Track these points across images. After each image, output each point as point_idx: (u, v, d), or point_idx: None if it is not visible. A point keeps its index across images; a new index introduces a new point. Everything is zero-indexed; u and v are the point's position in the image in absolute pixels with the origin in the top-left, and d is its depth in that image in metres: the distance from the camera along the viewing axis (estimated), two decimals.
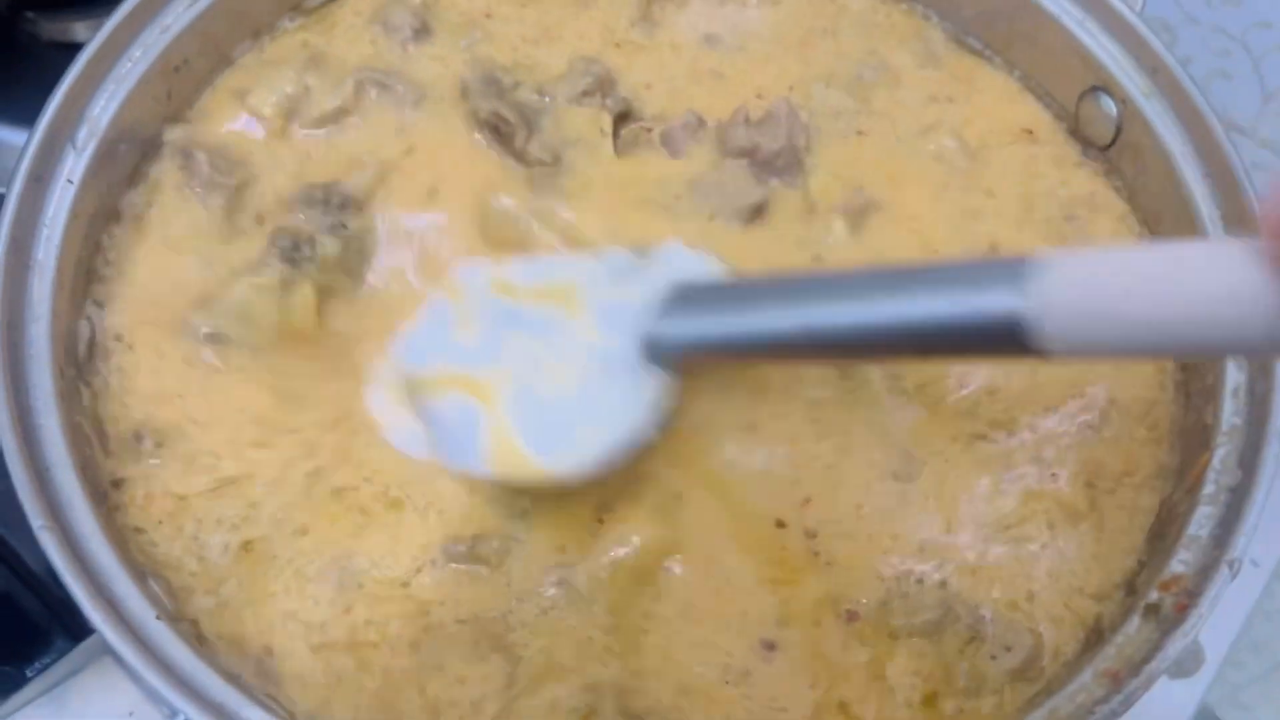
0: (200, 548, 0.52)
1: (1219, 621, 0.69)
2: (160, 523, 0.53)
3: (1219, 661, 0.69)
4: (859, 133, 0.64)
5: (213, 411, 0.55)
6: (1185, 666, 0.68)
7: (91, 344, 0.56)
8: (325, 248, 0.58)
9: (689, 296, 0.50)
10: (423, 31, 0.65)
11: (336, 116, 0.62)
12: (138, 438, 0.54)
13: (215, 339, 0.56)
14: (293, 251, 0.57)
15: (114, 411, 0.55)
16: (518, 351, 0.51)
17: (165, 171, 0.61)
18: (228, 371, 0.56)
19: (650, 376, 0.50)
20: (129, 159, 0.60)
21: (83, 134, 0.58)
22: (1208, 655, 0.68)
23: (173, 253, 0.59)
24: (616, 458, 0.50)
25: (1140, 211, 0.64)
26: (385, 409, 0.55)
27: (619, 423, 0.49)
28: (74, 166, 0.57)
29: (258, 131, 0.62)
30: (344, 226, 0.59)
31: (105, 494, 0.52)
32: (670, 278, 0.51)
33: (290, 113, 0.62)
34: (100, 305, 0.57)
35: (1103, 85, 0.64)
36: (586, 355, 0.50)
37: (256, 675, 0.49)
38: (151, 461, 0.54)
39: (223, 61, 0.65)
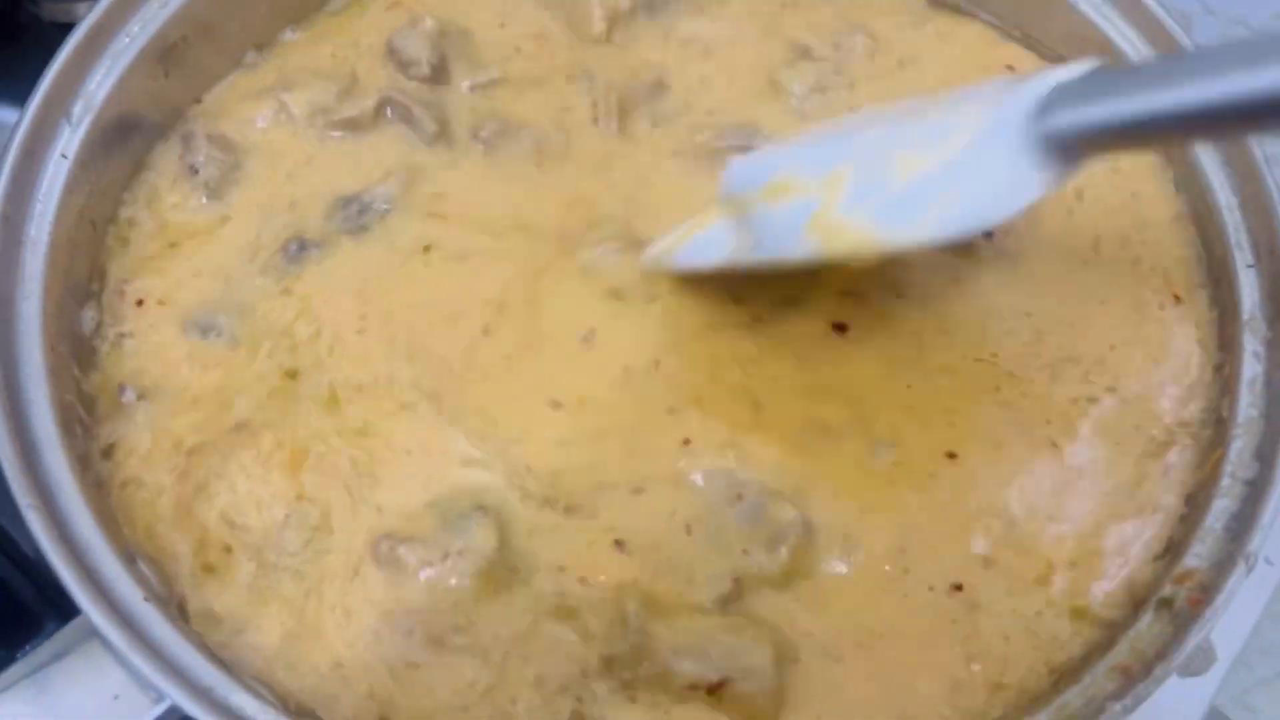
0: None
1: (1231, 620, 0.68)
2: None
3: (1230, 660, 0.67)
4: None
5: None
6: (1195, 665, 0.66)
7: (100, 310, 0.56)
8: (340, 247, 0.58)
9: (1088, 81, 0.43)
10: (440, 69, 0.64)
11: (354, 127, 0.62)
12: (120, 389, 0.54)
13: (211, 330, 0.56)
14: (299, 253, 0.58)
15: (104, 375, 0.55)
16: (865, 146, 0.47)
17: (166, 157, 0.61)
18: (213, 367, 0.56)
19: (1031, 158, 0.42)
20: (131, 140, 0.60)
21: (78, 109, 0.57)
22: (1219, 654, 0.67)
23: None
24: (964, 228, 0.44)
25: None
26: (660, 244, 0.55)
27: (979, 195, 0.43)
28: (69, 141, 0.56)
29: (278, 128, 0.62)
30: (365, 230, 0.59)
31: (94, 466, 0.52)
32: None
33: (316, 116, 0.62)
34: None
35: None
36: (951, 137, 0.44)
37: (242, 656, 0.48)
38: (138, 417, 0.54)
39: (227, 53, 0.64)
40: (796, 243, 0.47)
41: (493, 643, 0.49)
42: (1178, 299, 0.59)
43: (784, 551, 0.50)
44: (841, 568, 0.51)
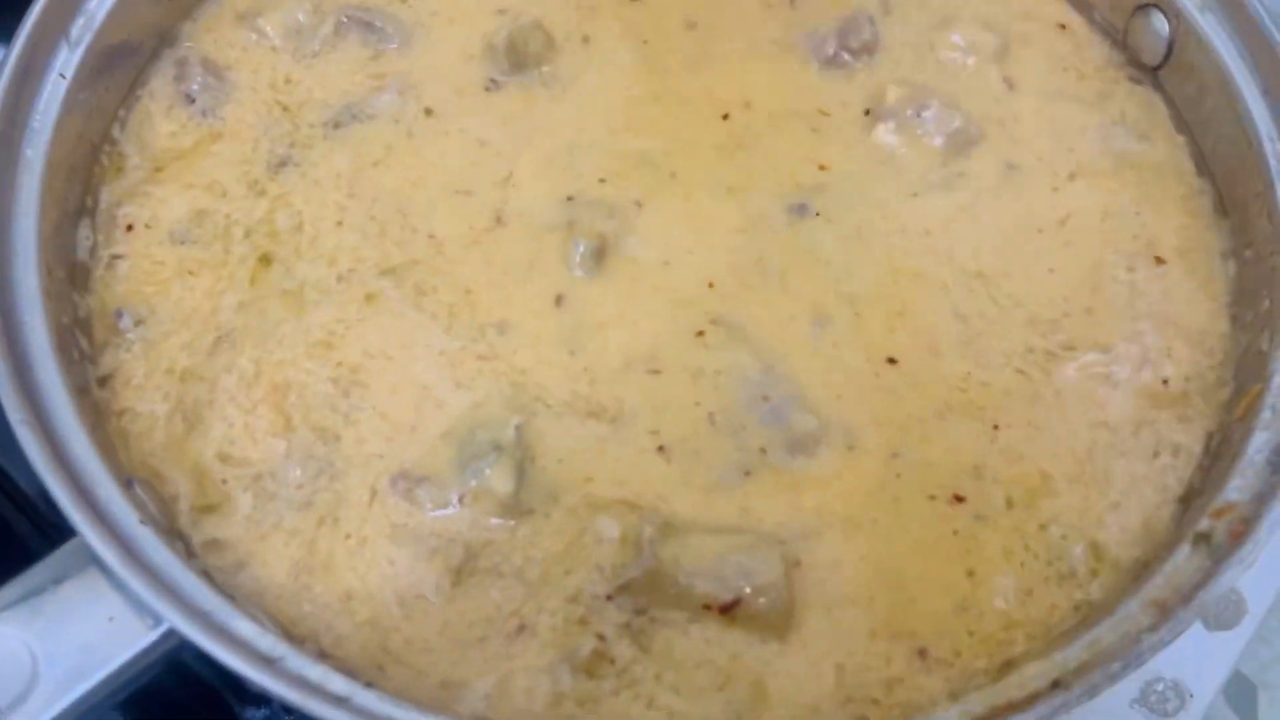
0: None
1: (1262, 572, 0.66)
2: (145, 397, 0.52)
3: (1261, 615, 0.65)
4: None
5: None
6: (1225, 618, 0.64)
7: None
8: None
9: None
10: None
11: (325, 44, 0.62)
12: (118, 315, 0.53)
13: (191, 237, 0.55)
14: (279, 167, 0.58)
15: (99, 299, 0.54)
16: None
17: (159, 81, 0.60)
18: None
19: None
20: (126, 62, 0.58)
21: (77, 27, 0.55)
22: (1250, 608, 0.65)
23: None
24: None
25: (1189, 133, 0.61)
26: None
27: None
28: (67, 60, 0.54)
29: (261, 52, 0.62)
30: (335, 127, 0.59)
31: (91, 394, 0.50)
32: None
33: (290, 37, 0.62)
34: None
35: (1154, 1, 0.61)
36: None
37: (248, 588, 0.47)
38: (135, 346, 0.52)
39: None
40: None
41: (525, 564, 0.48)
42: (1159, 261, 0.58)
43: (801, 458, 0.51)
44: (840, 467, 0.51)
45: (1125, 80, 0.63)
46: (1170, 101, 0.62)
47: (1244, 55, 0.58)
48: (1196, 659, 0.63)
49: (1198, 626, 0.60)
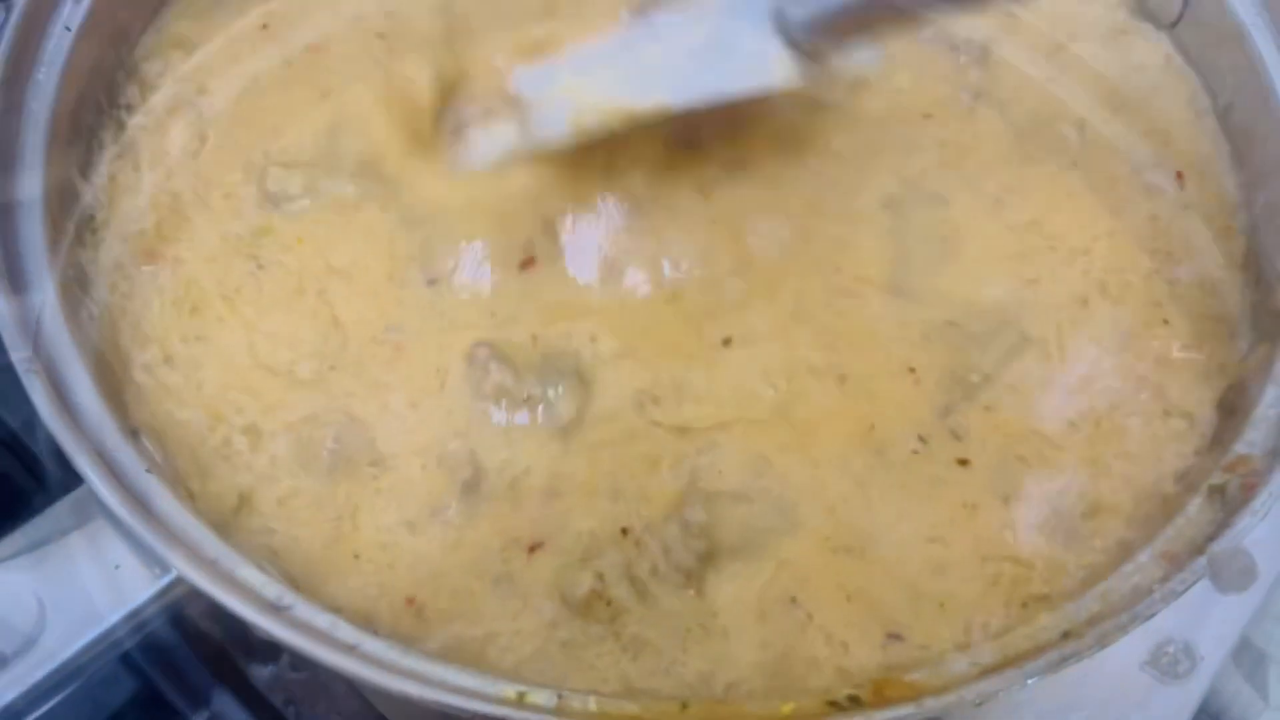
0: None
1: (1273, 540, 0.66)
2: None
3: (1272, 579, 0.65)
4: None
5: None
6: (1237, 581, 0.64)
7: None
8: None
9: None
10: None
11: None
12: None
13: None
14: None
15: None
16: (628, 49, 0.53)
17: None
18: None
19: (769, 45, 0.48)
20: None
21: None
22: (1260, 572, 0.64)
23: None
24: (704, 99, 0.50)
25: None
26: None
27: (718, 71, 0.49)
28: (73, 13, 0.54)
29: None
30: None
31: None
32: None
33: None
34: None
35: None
36: (694, 30, 0.50)
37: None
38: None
39: None
40: (563, 123, 0.53)
41: None
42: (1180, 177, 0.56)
43: None
44: None
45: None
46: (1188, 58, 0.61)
47: (1260, 9, 0.57)
48: (1207, 622, 0.63)
49: (1209, 590, 0.60)
